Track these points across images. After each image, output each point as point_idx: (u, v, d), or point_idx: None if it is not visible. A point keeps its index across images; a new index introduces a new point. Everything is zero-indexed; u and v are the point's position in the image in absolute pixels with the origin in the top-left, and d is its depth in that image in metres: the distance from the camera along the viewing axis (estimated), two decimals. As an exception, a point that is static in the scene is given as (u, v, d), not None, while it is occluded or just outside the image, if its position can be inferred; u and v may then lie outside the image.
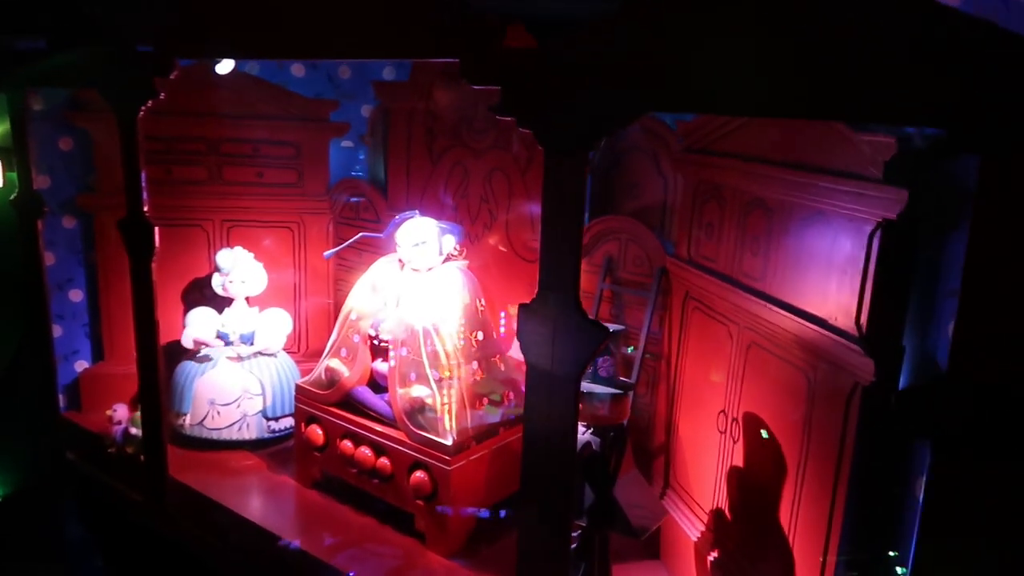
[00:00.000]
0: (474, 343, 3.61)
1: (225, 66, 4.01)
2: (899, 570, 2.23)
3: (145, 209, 3.53)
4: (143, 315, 3.69)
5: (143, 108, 3.40)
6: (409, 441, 3.51)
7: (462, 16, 2.35)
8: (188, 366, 4.36)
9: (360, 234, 4.04)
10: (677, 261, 3.41)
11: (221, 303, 4.60)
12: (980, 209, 1.80)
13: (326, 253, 4.15)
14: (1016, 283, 1.81)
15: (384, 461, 3.61)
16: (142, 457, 4.06)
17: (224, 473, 4.21)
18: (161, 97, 3.36)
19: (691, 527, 3.29)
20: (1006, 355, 1.85)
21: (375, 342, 3.71)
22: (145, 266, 3.60)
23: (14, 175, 4.36)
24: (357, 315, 3.77)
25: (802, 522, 2.54)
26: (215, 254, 4.47)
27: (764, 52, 1.85)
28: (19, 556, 4.42)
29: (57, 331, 4.66)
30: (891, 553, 2.25)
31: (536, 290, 2.35)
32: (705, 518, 3.20)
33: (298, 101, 4.67)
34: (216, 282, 4.44)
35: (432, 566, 3.44)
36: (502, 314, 4.16)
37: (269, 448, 4.44)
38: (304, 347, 5.01)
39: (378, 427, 3.64)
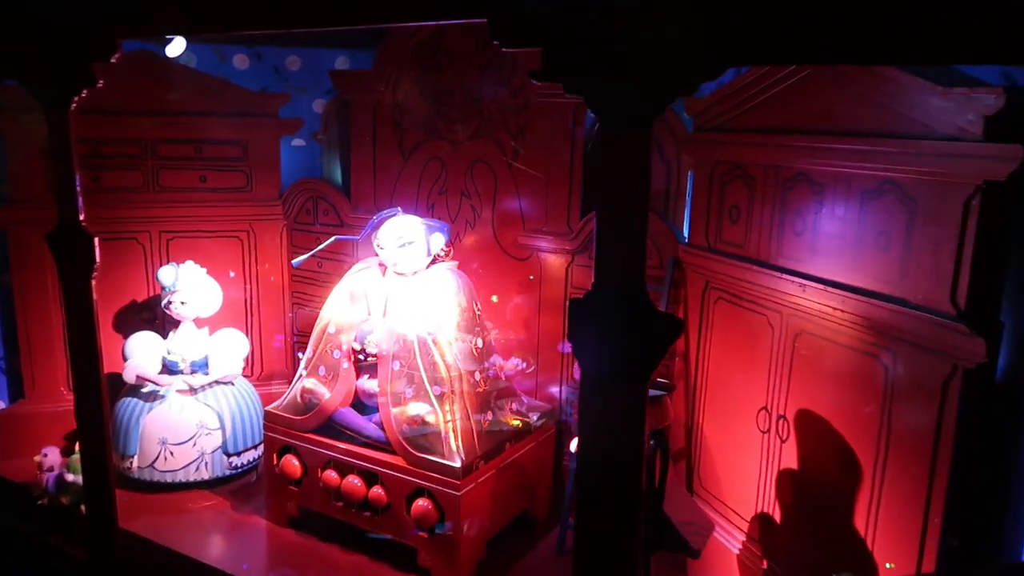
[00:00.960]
0: (474, 351, 3.25)
1: (176, 46, 3.51)
2: None
3: (82, 218, 3.01)
4: (83, 342, 3.13)
5: (77, 98, 2.89)
6: (408, 466, 3.11)
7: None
8: (131, 403, 3.80)
9: (333, 237, 3.62)
10: (693, 249, 3.15)
11: (164, 326, 4.06)
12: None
13: (295, 261, 3.69)
14: None
15: (377, 491, 3.19)
16: (83, 507, 3.49)
17: (182, 517, 3.68)
18: (99, 85, 2.85)
19: (726, 537, 3.02)
20: None
21: (360, 357, 3.29)
22: (84, 284, 3.05)
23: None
24: (336, 328, 3.34)
25: (885, 526, 2.30)
26: (156, 270, 3.92)
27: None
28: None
29: (-34, 368, 4.01)
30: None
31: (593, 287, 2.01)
32: (744, 525, 2.94)
33: (244, 95, 4.19)
34: (160, 302, 3.90)
35: (443, 606, 3.05)
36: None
37: (230, 485, 3.93)
38: (259, 370, 4.51)
39: (369, 453, 3.22)
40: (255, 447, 3.96)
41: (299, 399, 3.40)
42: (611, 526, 2.04)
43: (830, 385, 2.49)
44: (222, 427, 3.82)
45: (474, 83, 3.65)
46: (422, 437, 3.07)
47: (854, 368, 2.38)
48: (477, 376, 3.23)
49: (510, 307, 3.69)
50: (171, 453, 3.75)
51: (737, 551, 2.96)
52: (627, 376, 2.02)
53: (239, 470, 3.92)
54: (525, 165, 3.59)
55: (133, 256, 4.21)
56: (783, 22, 1.61)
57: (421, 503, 3.08)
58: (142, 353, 3.83)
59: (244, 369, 4.03)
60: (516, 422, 3.34)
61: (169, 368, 3.85)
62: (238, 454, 3.88)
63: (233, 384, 3.94)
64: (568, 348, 3.38)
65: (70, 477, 3.58)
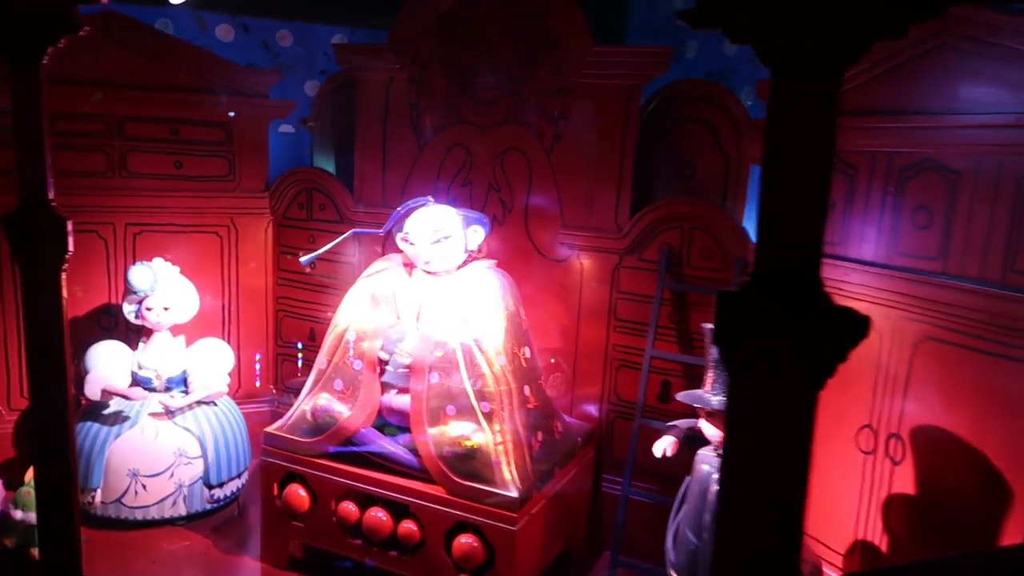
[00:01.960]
0: (523, 362, 2.82)
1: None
2: None
3: (51, 197, 2.44)
4: (47, 347, 2.55)
5: (53, 49, 2.34)
6: (449, 496, 2.64)
7: None
8: (92, 428, 3.19)
9: (351, 231, 3.12)
10: (767, 249, 2.82)
11: (126, 336, 3.47)
12: None
13: (304, 259, 3.16)
14: None
15: (408, 526, 2.71)
16: (34, 551, 2.88)
17: (157, 559, 3.10)
18: (83, 32, 2.31)
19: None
20: None
21: (388, 369, 2.81)
22: (51, 278, 2.48)
23: None
24: (357, 335, 2.85)
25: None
26: (124, 270, 3.32)
27: None
28: None
29: None
30: None
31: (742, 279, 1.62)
32: (838, 559, 2.60)
33: (230, 70, 3.65)
34: (128, 308, 3.30)
35: (492, 662, 2.59)
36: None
37: (209, 520, 3.36)
38: (235, 386, 3.92)
39: (398, 481, 2.74)
40: (239, 476, 3.40)
41: (309, 418, 2.88)
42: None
43: (967, 397, 2.19)
44: (204, 455, 3.24)
45: (507, 60, 3.25)
46: (468, 462, 2.61)
47: (1004, 377, 2.08)
48: (527, 391, 2.80)
49: (544, 313, 3.28)
50: (143, 486, 3.15)
51: (831, 588, 2.61)
52: (796, 384, 1.65)
53: (220, 503, 3.35)
54: (567, 154, 3.20)
55: (92, 252, 3.59)
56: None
57: (465, 540, 2.62)
58: (108, 366, 3.22)
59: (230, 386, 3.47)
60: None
61: (140, 385, 3.26)
62: (221, 485, 3.31)
63: (216, 404, 3.37)
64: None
65: (18, 515, 2.95)
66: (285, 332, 3.97)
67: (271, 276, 3.94)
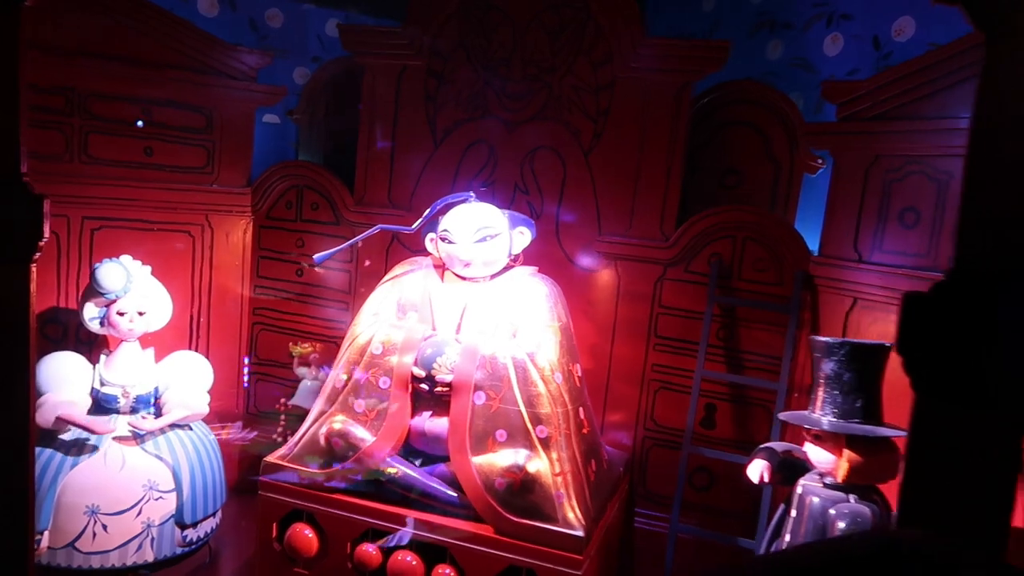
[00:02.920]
0: (576, 380, 2.49)
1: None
2: None
3: (24, 171, 1.95)
4: (11, 359, 2.05)
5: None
6: (499, 536, 2.27)
7: None
8: (43, 455, 2.62)
9: (378, 226, 2.71)
10: (833, 260, 2.63)
11: (81, 349, 2.93)
12: None
13: (317, 256, 2.72)
14: None
15: (445, 571, 2.31)
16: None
17: (119, 620, 2.56)
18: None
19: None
20: None
21: (423, 387, 2.41)
22: (19, 270, 1.99)
23: None
24: (383, 347, 2.45)
25: None
26: (93, 268, 2.78)
27: None
28: None
29: None
30: None
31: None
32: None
33: (218, 47, 3.20)
34: (91, 314, 2.77)
35: None
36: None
37: (178, 566, 2.83)
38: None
39: (433, 519, 2.34)
40: (213, 515, 2.90)
41: (323, 444, 2.45)
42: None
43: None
44: (178, 488, 2.73)
45: (542, 50, 2.97)
46: (524, 496, 2.25)
47: None
48: (581, 413, 2.46)
49: (574, 329, 2.96)
50: (103, 527, 2.61)
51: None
52: (1005, 406, 1.40)
53: (192, 547, 2.83)
54: (608, 155, 2.92)
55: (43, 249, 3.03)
56: None
57: (517, 588, 2.25)
58: (64, 384, 2.68)
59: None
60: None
61: (102, 404, 2.73)
62: (194, 525, 2.80)
63: (191, 428, 2.87)
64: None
65: (-56, 567, 2.36)
66: (262, 348, 3.50)
67: (248, 283, 3.46)
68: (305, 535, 2.45)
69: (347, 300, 3.33)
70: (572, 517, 2.24)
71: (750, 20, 3.32)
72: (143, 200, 3.19)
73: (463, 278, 2.57)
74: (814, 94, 3.01)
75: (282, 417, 3.25)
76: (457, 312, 2.50)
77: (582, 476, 2.34)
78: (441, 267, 2.62)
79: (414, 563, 2.34)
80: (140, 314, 2.73)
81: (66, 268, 3.10)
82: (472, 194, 2.59)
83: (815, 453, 2.03)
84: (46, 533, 2.59)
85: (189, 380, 2.86)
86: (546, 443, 2.29)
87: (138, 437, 2.72)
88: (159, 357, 2.88)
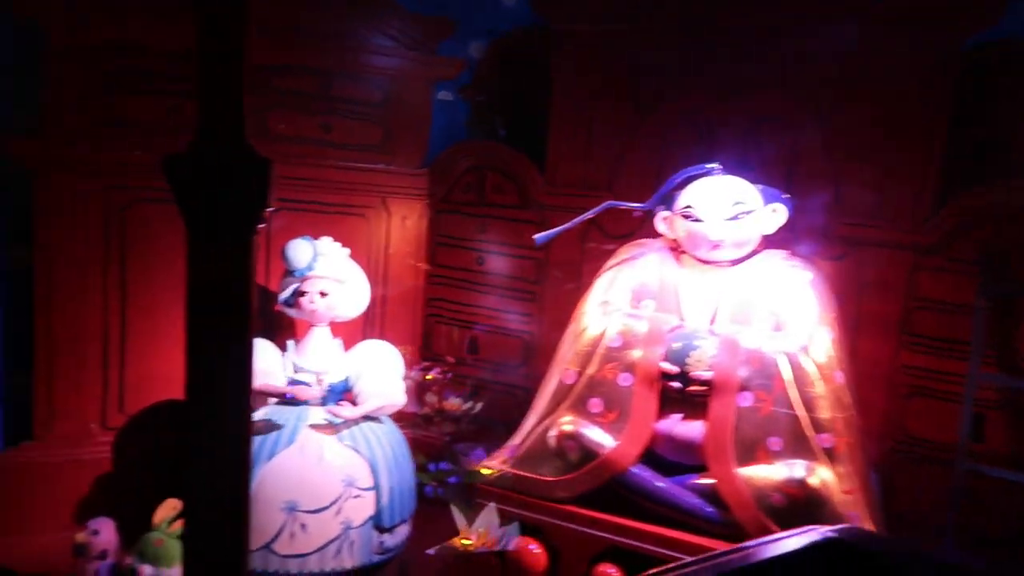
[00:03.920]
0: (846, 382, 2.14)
1: None
2: None
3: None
4: (231, 325, 1.80)
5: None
6: (775, 563, 1.93)
7: None
8: (237, 442, 2.43)
9: (606, 203, 2.43)
10: None
11: (271, 333, 2.74)
12: None
13: (538, 236, 2.46)
14: None
15: (704, 601, 1.99)
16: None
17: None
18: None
19: None
20: None
21: (674, 385, 2.10)
22: (244, 239, 1.75)
23: None
24: (623, 340, 2.15)
25: None
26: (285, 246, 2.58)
27: None
28: None
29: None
30: None
31: None
32: None
33: (397, 13, 2.97)
34: (284, 294, 2.58)
35: None
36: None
37: (372, 576, 2.60)
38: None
39: (690, 538, 2.03)
40: (407, 520, 2.65)
41: (553, 447, 2.16)
42: None
43: None
44: (376, 486, 2.49)
45: (769, 4, 2.63)
46: (807, 515, 1.91)
47: None
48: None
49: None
50: (302, 527, 2.39)
51: None
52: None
53: (387, 556, 2.59)
54: (852, 126, 2.56)
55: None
56: None
57: (799, 624, 1.91)
58: (261, 361, 2.48)
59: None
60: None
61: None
62: (391, 530, 2.55)
63: (382, 421, 2.64)
64: None
65: (147, 571, 2.18)
66: (435, 342, 3.25)
67: (423, 272, 3.23)
68: (531, 551, 2.18)
69: (534, 291, 3.05)
70: (869, 543, 1.89)
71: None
72: (316, 179, 2.98)
73: (704, 262, 2.25)
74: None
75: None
76: (706, 301, 2.19)
77: (874, 496, 2.00)
78: (676, 250, 2.31)
79: (665, 588, 2.03)
80: (322, 295, 2.51)
81: (244, 252, 2.91)
82: (719, 164, 2.27)
83: None
84: (241, 535, 2.38)
85: (382, 369, 2.63)
86: (831, 454, 1.96)
87: (332, 426, 2.49)
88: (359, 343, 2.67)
